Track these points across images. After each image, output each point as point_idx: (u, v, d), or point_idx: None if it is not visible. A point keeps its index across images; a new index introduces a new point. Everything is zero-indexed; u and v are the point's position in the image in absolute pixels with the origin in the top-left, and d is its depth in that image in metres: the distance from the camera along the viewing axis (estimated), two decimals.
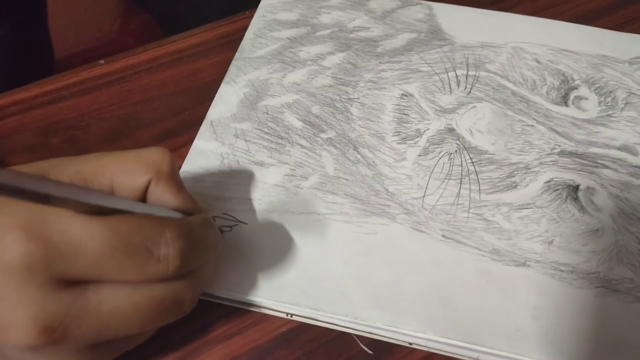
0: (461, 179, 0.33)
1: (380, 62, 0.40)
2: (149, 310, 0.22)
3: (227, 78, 0.38)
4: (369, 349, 0.28)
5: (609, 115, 0.37)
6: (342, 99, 0.37)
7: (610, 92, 0.38)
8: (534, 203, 0.33)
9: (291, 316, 0.29)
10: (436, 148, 0.35)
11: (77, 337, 0.21)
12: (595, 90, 0.38)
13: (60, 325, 0.20)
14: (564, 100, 0.37)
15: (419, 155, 0.34)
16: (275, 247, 0.30)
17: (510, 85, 0.38)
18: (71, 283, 0.21)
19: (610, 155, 0.35)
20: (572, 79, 0.39)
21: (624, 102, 0.38)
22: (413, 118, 0.36)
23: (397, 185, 0.33)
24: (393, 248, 0.31)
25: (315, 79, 0.38)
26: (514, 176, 0.34)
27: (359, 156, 0.34)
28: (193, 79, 0.39)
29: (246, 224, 0.31)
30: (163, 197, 0.24)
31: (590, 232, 0.32)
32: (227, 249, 0.30)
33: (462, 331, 0.28)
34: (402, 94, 0.37)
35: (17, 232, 0.20)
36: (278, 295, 0.29)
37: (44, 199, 0.18)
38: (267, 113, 0.36)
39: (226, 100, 0.37)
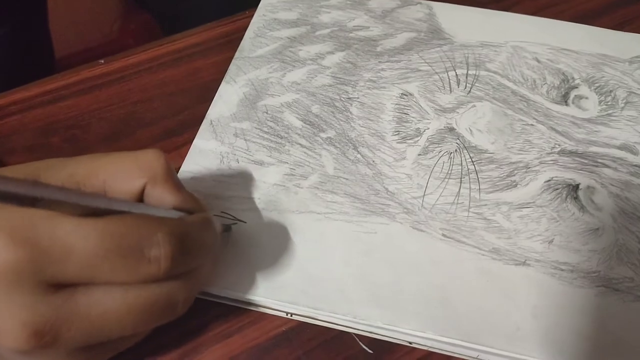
0: (461, 178, 0.33)
1: (380, 62, 0.40)
2: (141, 311, 0.22)
3: (227, 77, 0.38)
4: (369, 348, 0.28)
5: (609, 115, 0.37)
6: (342, 99, 0.37)
7: (611, 91, 0.38)
8: (534, 202, 0.33)
9: (291, 315, 0.29)
10: (436, 147, 0.35)
11: (68, 340, 0.21)
12: (595, 89, 0.38)
13: (50, 329, 0.20)
14: (564, 100, 0.37)
15: (419, 155, 0.34)
16: (275, 246, 0.30)
17: (510, 84, 0.38)
18: (61, 286, 0.21)
19: (610, 154, 0.35)
20: (572, 78, 0.39)
21: (624, 101, 0.38)
22: (413, 117, 0.36)
23: (397, 185, 0.33)
24: (393, 247, 0.31)
25: (315, 78, 0.38)
26: (514, 175, 0.34)
27: (358, 155, 0.34)
28: (193, 78, 0.39)
29: (245, 222, 0.31)
30: (161, 198, 0.24)
31: (591, 231, 0.32)
32: (226, 248, 0.30)
33: (461, 330, 0.28)
34: (401, 93, 0.37)
35: (4, 237, 0.20)
36: (277, 294, 0.29)
37: (32, 202, 0.18)
38: (266, 112, 0.36)
39: (226, 99, 0.37)
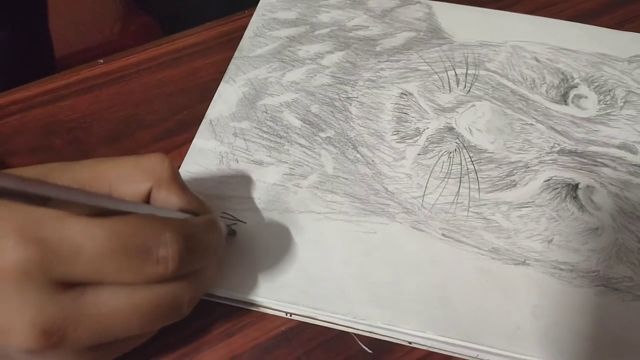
0: (460, 177, 0.33)
1: (379, 61, 0.40)
2: (147, 312, 0.22)
3: (226, 77, 0.38)
4: (369, 348, 0.28)
5: (608, 114, 0.37)
6: (341, 98, 0.37)
7: (610, 90, 0.38)
8: (533, 202, 0.33)
9: (291, 315, 0.29)
10: (435, 147, 0.35)
11: (76, 339, 0.21)
12: (594, 88, 0.38)
13: (58, 329, 0.20)
14: (564, 99, 0.37)
15: (419, 154, 0.34)
16: (275, 246, 0.30)
17: (509, 83, 0.38)
18: (69, 285, 0.21)
19: (609, 153, 0.35)
20: (572, 77, 0.39)
21: (623, 100, 0.38)
22: (412, 117, 0.36)
23: (397, 184, 0.33)
24: (392, 247, 0.31)
25: (314, 77, 0.38)
26: (514, 175, 0.34)
27: (358, 155, 0.34)
28: (192, 78, 0.39)
29: (245, 222, 0.31)
30: (167, 200, 0.24)
31: (590, 231, 0.32)
32: (229, 250, 0.30)
33: (461, 330, 0.28)
34: (401, 93, 0.37)
35: (14, 236, 0.20)
36: (277, 294, 0.29)
37: (43, 202, 0.18)
38: (266, 112, 0.36)
39: (225, 99, 0.37)
